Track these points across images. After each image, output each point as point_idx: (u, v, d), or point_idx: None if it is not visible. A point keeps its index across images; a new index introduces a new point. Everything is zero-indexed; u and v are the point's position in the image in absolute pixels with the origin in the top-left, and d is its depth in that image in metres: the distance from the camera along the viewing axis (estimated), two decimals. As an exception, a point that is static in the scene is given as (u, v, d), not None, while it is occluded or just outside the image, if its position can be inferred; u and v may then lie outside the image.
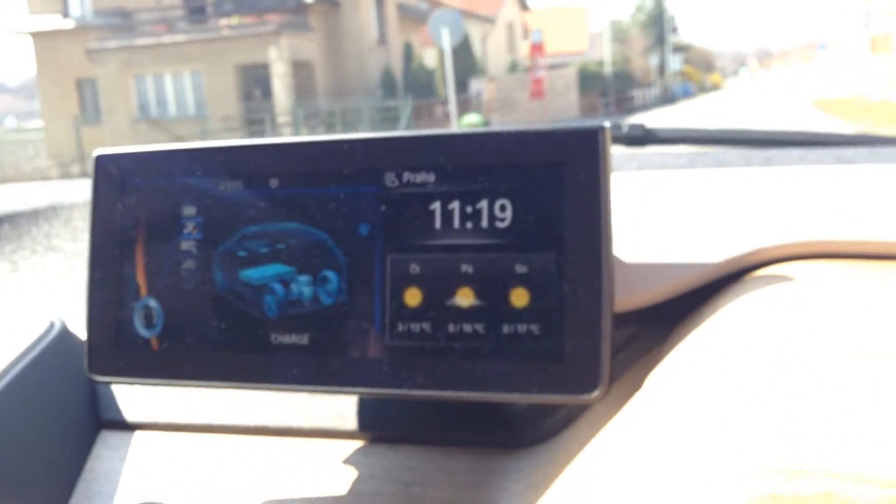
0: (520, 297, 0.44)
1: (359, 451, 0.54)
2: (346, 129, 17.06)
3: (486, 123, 13.10)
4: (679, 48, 54.88)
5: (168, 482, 0.55)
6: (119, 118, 19.42)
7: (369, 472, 0.51)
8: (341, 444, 0.54)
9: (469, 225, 0.45)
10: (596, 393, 0.42)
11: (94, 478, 0.57)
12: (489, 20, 29.77)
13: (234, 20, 19.53)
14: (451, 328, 0.45)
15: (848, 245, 0.49)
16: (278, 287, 0.48)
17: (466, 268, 0.45)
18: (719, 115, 23.04)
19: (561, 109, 27.10)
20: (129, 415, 0.61)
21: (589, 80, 30.94)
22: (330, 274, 0.47)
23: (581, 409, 0.51)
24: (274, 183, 0.48)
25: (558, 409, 0.50)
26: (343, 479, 0.51)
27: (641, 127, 0.90)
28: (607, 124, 0.45)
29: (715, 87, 67.19)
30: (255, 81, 19.41)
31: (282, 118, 18.77)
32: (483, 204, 0.45)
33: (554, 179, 0.44)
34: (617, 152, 0.81)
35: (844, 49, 55.32)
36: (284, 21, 19.26)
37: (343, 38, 20.83)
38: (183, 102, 19.92)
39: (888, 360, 0.35)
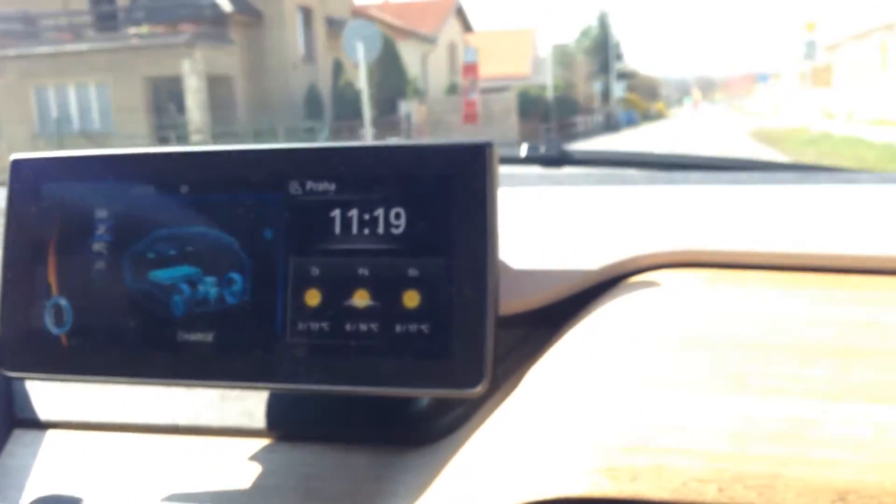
0: (411, 299, 0.48)
1: (265, 448, 0.55)
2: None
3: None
4: (624, 75, 54.68)
5: (78, 479, 0.56)
6: (17, 133, 17.74)
7: (272, 468, 0.53)
8: (249, 443, 0.56)
9: (366, 231, 0.49)
10: (479, 388, 0.46)
11: (5, 473, 0.58)
12: (430, 40, 28.71)
13: (145, 29, 18.06)
14: (348, 327, 0.48)
15: (710, 255, 0.55)
16: (185, 287, 0.51)
17: (363, 271, 0.49)
18: (661, 145, 22.20)
19: (498, 135, 26.07)
20: (43, 413, 0.62)
21: (530, 104, 30.05)
22: (235, 276, 0.50)
23: (476, 407, 0.52)
24: (184, 189, 0.51)
25: (455, 407, 0.52)
26: (247, 475, 0.53)
27: (557, 147, 0.96)
28: (494, 142, 0.49)
29: (659, 116, 67.39)
30: (167, 96, 17.95)
31: (195, 136, 17.33)
32: (379, 212, 0.49)
33: (445, 190, 0.48)
34: (535, 171, 0.94)
35: (785, 80, 55.84)
36: (200, 32, 17.88)
37: (266, 53, 19.48)
38: (88, 117, 18.34)
39: (718, 350, 0.42)
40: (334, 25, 22.67)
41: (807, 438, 0.35)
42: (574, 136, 30.55)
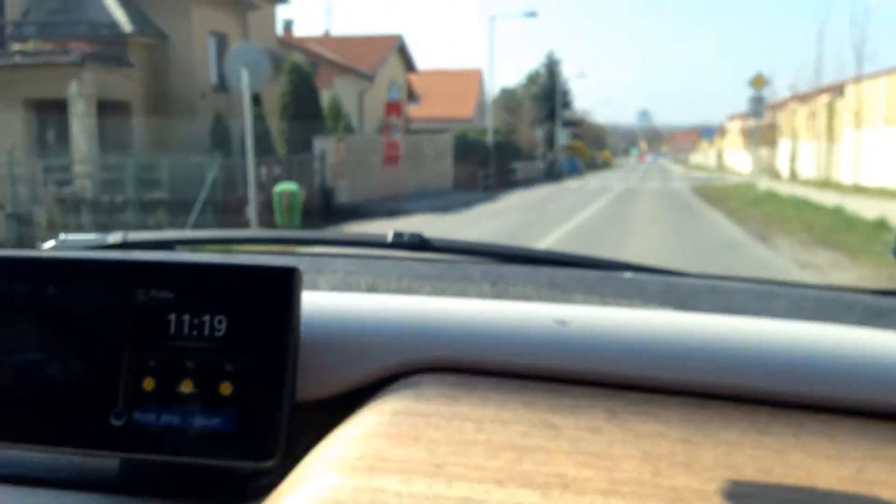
0: (226, 388, 0.61)
1: (117, 502, 0.64)
2: (146, 188, 13.83)
3: (299, 193, 10.15)
4: (570, 122, 53.96)
5: None
6: None
7: None
8: (103, 498, 0.65)
9: (195, 333, 0.62)
10: (271, 461, 0.60)
11: None
12: (367, 77, 27.17)
13: (31, 45, 16.09)
14: (176, 409, 0.61)
15: (466, 362, 0.67)
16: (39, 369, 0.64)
17: (190, 364, 0.62)
18: (599, 207, 20.76)
19: (430, 179, 24.51)
20: None
21: (468, 148, 28.66)
22: (83, 363, 0.63)
23: (287, 471, 0.61)
24: (50, 290, 0.64)
25: (273, 470, 0.62)
26: None
27: (419, 237, 1.05)
28: (299, 267, 0.64)
29: (606, 165, 66.99)
30: (53, 122, 15.96)
31: (78, 167, 15.37)
32: (206, 318, 0.62)
33: (257, 304, 0.62)
34: (399, 254, 1.07)
35: (730, 137, 55.75)
36: (93, 51, 15.97)
37: (170, 79, 17.63)
38: (-41, 139, 16.24)
39: (432, 443, 0.56)
40: (256, 54, 21.01)
41: None
42: (512, 184, 29.20)
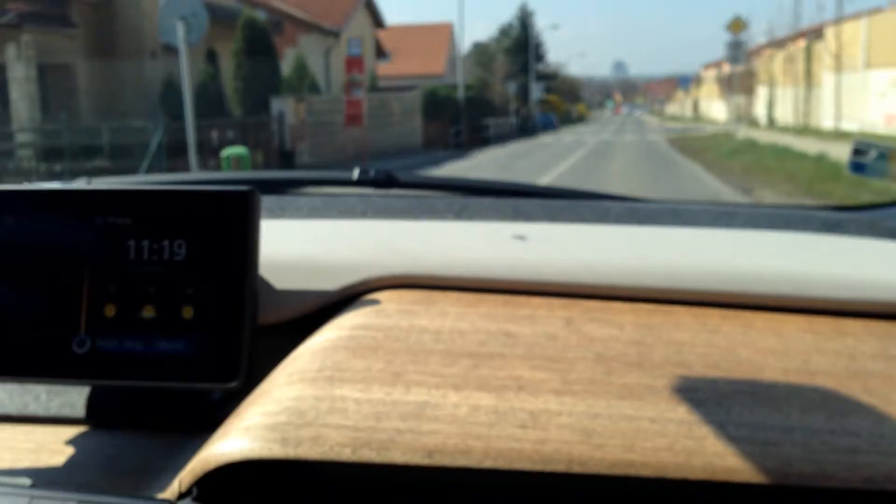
0: (188, 312, 0.61)
1: (82, 434, 0.64)
2: (88, 156, 12.94)
3: (248, 157, 9.34)
4: (544, 76, 52.98)
5: None
6: None
7: (85, 449, 0.62)
8: (68, 430, 0.65)
9: (155, 258, 0.62)
10: (234, 382, 0.60)
11: None
12: (333, 33, 26.10)
13: (-38, 6, 15.04)
14: (139, 334, 0.61)
15: (424, 278, 0.69)
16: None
17: (151, 289, 0.62)
18: (576, 163, 20.07)
19: (398, 139, 23.64)
20: None
21: (438, 105, 27.76)
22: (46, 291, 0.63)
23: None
24: (9, 220, 0.64)
25: (238, 394, 0.62)
26: (62, 456, 0.61)
27: (386, 172, 1.04)
28: (255, 190, 0.63)
29: (581, 119, 66.21)
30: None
31: (20, 136, 14.42)
32: (165, 243, 0.62)
33: (216, 228, 0.62)
34: (365, 191, 1.06)
35: (707, 85, 55.07)
36: (30, 11, 14.92)
37: (117, 40, 16.57)
38: None
39: (391, 353, 0.58)
40: (213, 10, 19.88)
41: (422, 416, 0.51)
42: (485, 142, 28.38)
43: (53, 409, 0.67)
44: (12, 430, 0.66)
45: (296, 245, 0.75)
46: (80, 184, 0.93)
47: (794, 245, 0.76)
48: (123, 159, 12.72)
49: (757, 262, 0.70)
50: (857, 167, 1.14)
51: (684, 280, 0.66)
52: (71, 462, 0.60)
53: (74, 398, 0.68)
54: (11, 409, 0.68)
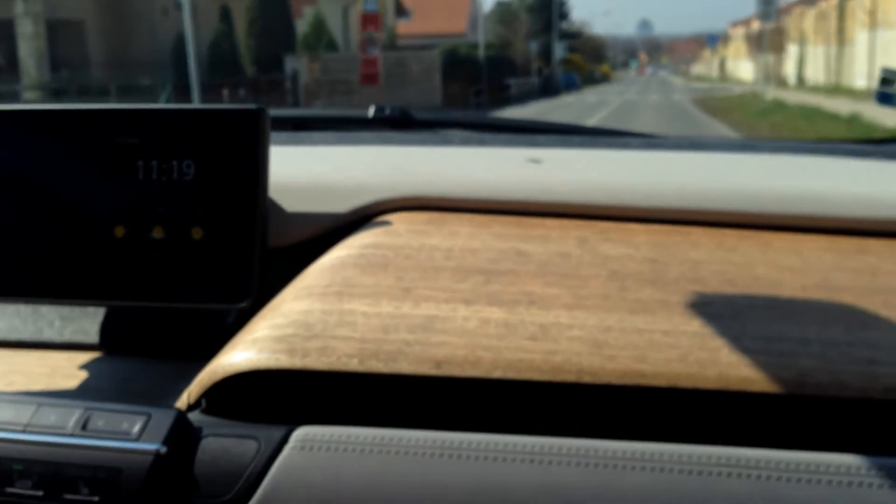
0: (197, 233, 0.61)
1: (95, 359, 0.65)
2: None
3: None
4: (568, 35, 52.02)
5: None
6: None
7: (98, 374, 0.63)
8: (82, 355, 0.66)
9: (164, 178, 0.61)
10: (245, 303, 0.60)
11: None
12: (351, -10, 25.53)
13: (-32, -40, 14.67)
14: (149, 255, 0.61)
15: (433, 200, 0.68)
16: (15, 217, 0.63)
17: (160, 210, 0.61)
18: (596, 120, 19.52)
19: (417, 99, 23.13)
20: None
21: (458, 65, 27.17)
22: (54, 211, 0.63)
23: None
24: (16, 138, 0.63)
25: (248, 318, 0.61)
26: (76, 380, 0.62)
27: (401, 109, 1.02)
28: (265, 109, 0.62)
29: (605, 79, 65.09)
30: (-1, 44, 14.64)
31: (28, 93, 14.14)
32: (174, 163, 0.61)
33: (225, 146, 0.61)
34: (382, 132, 1.04)
35: (735, 43, 53.82)
36: (37, -35, 14.54)
37: (127, -5, 16.20)
38: None
39: (401, 270, 0.57)
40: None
41: (431, 329, 0.51)
42: (506, 101, 27.81)
43: (67, 335, 0.68)
44: (27, 355, 0.66)
45: (308, 169, 0.74)
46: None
47: (816, 167, 0.75)
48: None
49: (777, 182, 0.68)
50: (884, 97, 1.11)
51: (701, 200, 0.65)
52: (84, 385, 0.61)
53: (88, 325, 0.68)
54: (26, 335, 0.69)
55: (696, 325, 0.51)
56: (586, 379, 0.48)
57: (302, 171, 0.73)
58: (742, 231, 0.63)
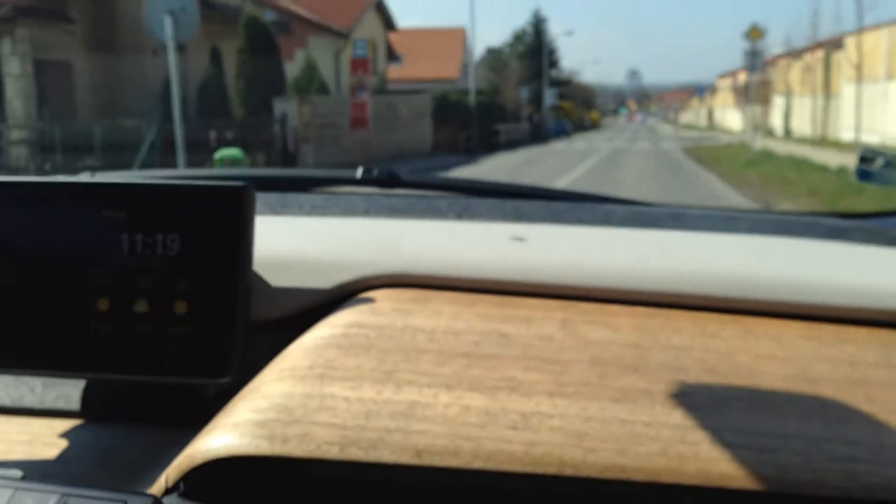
0: (181, 307, 0.60)
1: (77, 427, 0.64)
2: (78, 154, 12.52)
3: (243, 158, 8.85)
4: (558, 82, 52.49)
5: None
6: None
7: (80, 443, 0.62)
8: (63, 423, 0.65)
9: (148, 252, 0.61)
10: (227, 378, 0.59)
11: None
12: (343, 35, 25.64)
13: (-44, 0, 14.60)
14: (131, 328, 0.60)
15: (418, 278, 0.67)
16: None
17: (144, 283, 0.61)
18: (586, 173, 19.51)
19: (407, 143, 23.10)
20: None
21: (449, 109, 27.26)
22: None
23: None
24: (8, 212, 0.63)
25: (231, 391, 0.61)
26: (57, 449, 0.61)
27: (389, 170, 1.03)
28: (250, 186, 0.62)
29: (594, 125, 65.60)
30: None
31: (14, 133, 13.99)
32: (159, 237, 0.61)
33: (210, 222, 0.61)
34: (369, 191, 1.04)
35: (722, 94, 54.45)
36: (26, 5, 14.47)
37: (117, 36, 16.12)
38: None
39: (383, 352, 0.57)
40: (216, 9, 19.40)
41: (413, 416, 0.50)
42: (496, 147, 27.85)
43: (49, 402, 0.67)
44: (7, 422, 0.65)
45: (293, 242, 0.74)
46: (82, 177, 0.88)
47: (796, 251, 0.75)
48: (117, 158, 12.28)
49: (758, 267, 0.68)
50: (864, 175, 1.13)
51: (684, 284, 0.65)
52: (64, 455, 0.60)
53: (70, 391, 0.67)
54: (7, 401, 0.68)
55: (677, 417, 0.50)
56: (567, 472, 0.47)
57: (287, 245, 0.72)
58: (723, 315, 0.63)
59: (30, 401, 0.67)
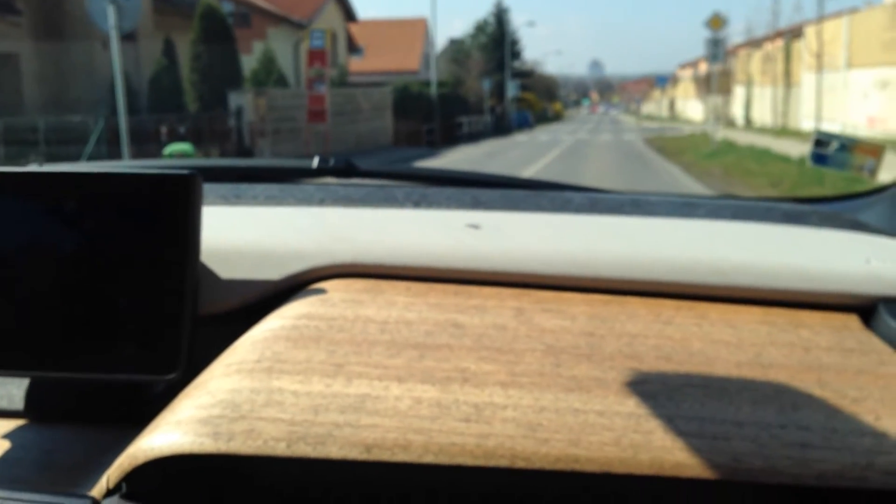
0: (126, 301, 0.58)
1: (20, 427, 0.63)
2: (23, 148, 12.08)
3: (193, 153, 8.61)
4: (520, 73, 52.31)
5: None
6: None
7: (21, 444, 0.61)
8: (5, 423, 0.64)
9: (93, 244, 0.59)
10: (174, 374, 0.58)
11: None
12: (302, 26, 25.19)
13: None
14: (77, 324, 0.59)
15: (369, 267, 0.66)
16: None
17: (89, 276, 0.59)
18: (548, 159, 19.37)
19: (368, 136, 22.77)
20: None
21: (411, 102, 26.95)
22: None
23: None
24: None
25: (178, 388, 0.59)
26: (0, 453, 0.60)
27: (345, 160, 1.02)
28: (196, 173, 0.60)
29: (557, 117, 65.64)
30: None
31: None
32: (103, 229, 0.59)
33: (156, 212, 0.59)
34: (326, 181, 1.03)
35: (683, 84, 54.74)
36: (-32, -3, 13.93)
37: (65, 27, 15.59)
38: None
39: (333, 344, 0.56)
40: (173, 2, 18.88)
41: (362, 409, 0.49)
42: (458, 140, 27.60)
43: None
44: None
45: (244, 232, 0.71)
46: (29, 168, 0.88)
47: (752, 236, 0.75)
48: (64, 151, 11.87)
49: (714, 252, 0.67)
50: (819, 158, 1.13)
51: (639, 270, 0.65)
52: (7, 457, 0.59)
53: (13, 390, 0.66)
54: None
55: (631, 405, 0.50)
56: (519, 464, 0.47)
57: (237, 236, 0.70)
58: (679, 301, 0.63)
59: None
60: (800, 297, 0.63)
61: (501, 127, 37.50)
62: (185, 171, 0.60)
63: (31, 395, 0.64)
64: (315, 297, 0.62)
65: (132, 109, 14.07)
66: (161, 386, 0.63)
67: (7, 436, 0.61)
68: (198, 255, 0.60)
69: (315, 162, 1.00)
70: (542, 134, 35.26)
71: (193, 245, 0.59)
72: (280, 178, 1.07)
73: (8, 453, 0.59)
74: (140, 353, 0.58)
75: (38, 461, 0.58)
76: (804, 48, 23.45)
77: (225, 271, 0.66)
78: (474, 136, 30.07)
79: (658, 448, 0.47)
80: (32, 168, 0.63)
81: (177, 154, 9.67)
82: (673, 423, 0.48)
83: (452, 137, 27.70)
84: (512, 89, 43.19)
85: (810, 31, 22.98)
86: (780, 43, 26.14)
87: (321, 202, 0.87)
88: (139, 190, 0.59)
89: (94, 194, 0.59)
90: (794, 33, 24.81)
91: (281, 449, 0.47)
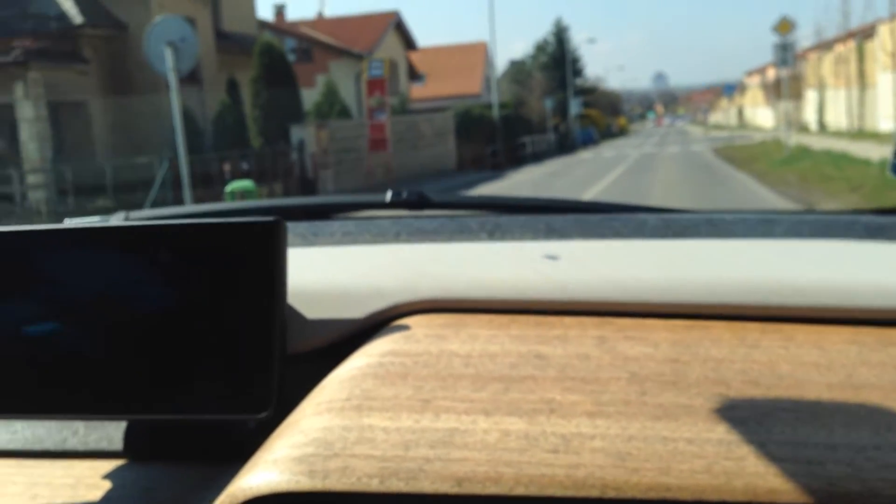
0: (218, 344, 0.60)
1: (120, 467, 0.65)
2: (92, 194, 12.32)
3: (255, 190, 8.56)
4: (583, 91, 51.91)
5: None
6: None
7: (121, 483, 0.63)
8: (106, 463, 0.66)
9: (184, 291, 0.61)
10: (266, 413, 0.59)
11: None
12: (363, 57, 25.41)
13: (-32, 46, 14.53)
14: (171, 368, 0.60)
15: (454, 302, 0.67)
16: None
17: (181, 322, 0.61)
18: (616, 180, 18.96)
19: (430, 162, 22.74)
20: None
21: (473, 125, 26.89)
22: (75, 328, 0.63)
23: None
24: (40, 258, 0.64)
25: (270, 425, 0.61)
26: (99, 490, 0.62)
27: (418, 192, 1.03)
28: (281, 220, 0.62)
29: (622, 132, 64.84)
30: (2, 129, 14.41)
31: (31, 177, 13.86)
32: (193, 276, 0.61)
33: (244, 258, 0.61)
34: (399, 213, 1.03)
35: (752, 92, 53.46)
36: (37, 48, 14.37)
37: (131, 73, 15.97)
38: None
39: (420, 380, 0.56)
40: (228, 38, 19.25)
41: (451, 443, 0.50)
42: (522, 160, 27.38)
43: (91, 444, 0.68)
44: (51, 466, 0.66)
45: (325, 272, 0.74)
46: (117, 219, 0.90)
47: (835, 253, 0.73)
48: (130, 196, 12.05)
49: (797, 272, 0.66)
50: None
51: (721, 294, 0.64)
52: (108, 496, 0.61)
53: (112, 432, 0.68)
54: (50, 445, 0.68)
55: (720, 432, 0.49)
56: (610, 494, 0.47)
57: (319, 275, 0.72)
58: (763, 324, 0.62)
59: (73, 443, 0.68)
60: (888, 316, 0.61)
61: (565, 145, 37.16)
62: (271, 219, 0.61)
63: (129, 436, 0.66)
64: (399, 334, 0.63)
65: (198, 149, 14.27)
66: (253, 424, 0.64)
67: (108, 476, 0.63)
68: (285, 297, 0.62)
69: (388, 196, 1.01)
70: (607, 150, 34.78)
71: (280, 287, 0.61)
72: (355, 213, 1.09)
73: (110, 493, 0.61)
74: (234, 393, 0.60)
75: (138, 499, 0.60)
76: (878, 47, 22.55)
77: (310, 311, 0.67)
78: (538, 156, 29.83)
79: (751, 474, 0.46)
80: (122, 221, 0.64)
81: (238, 192, 9.66)
82: (765, 448, 0.47)
83: (516, 158, 27.51)
84: (575, 107, 42.81)
85: (884, 30, 22.10)
86: (851, 44, 25.24)
87: (397, 236, 0.88)
88: (228, 238, 0.61)
89: (185, 246, 0.61)
90: (867, 33, 23.93)
91: (374, 485, 0.48)
